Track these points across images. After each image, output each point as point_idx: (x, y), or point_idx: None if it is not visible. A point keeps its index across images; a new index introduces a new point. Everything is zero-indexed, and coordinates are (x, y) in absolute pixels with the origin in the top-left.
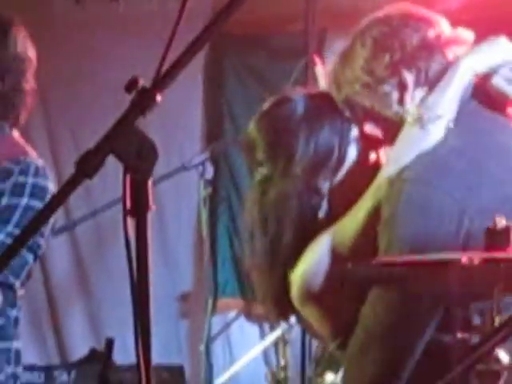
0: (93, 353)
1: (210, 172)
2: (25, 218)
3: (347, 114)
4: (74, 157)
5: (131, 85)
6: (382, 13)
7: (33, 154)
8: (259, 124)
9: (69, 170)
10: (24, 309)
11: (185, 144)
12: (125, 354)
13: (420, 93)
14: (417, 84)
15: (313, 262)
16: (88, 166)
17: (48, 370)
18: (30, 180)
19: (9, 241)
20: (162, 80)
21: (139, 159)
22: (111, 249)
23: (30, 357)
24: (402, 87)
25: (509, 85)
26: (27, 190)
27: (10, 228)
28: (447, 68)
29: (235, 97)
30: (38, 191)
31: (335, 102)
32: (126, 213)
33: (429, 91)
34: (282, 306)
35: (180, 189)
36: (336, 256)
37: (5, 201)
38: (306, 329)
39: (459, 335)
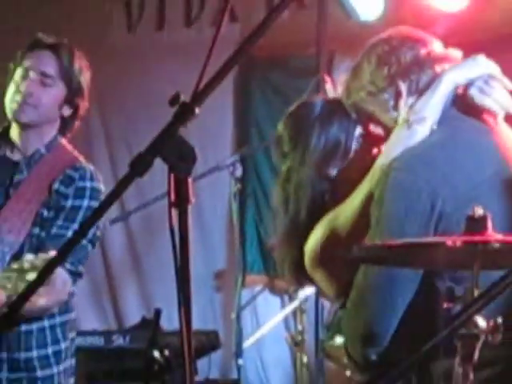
0: (144, 320)
1: (239, 171)
2: (84, 217)
3: (354, 116)
4: (127, 160)
5: (174, 100)
6: (385, 34)
7: (81, 158)
8: (285, 122)
9: (123, 171)
10: (87, 286)
11: (218, 148)
12: (170, 322)
13: (411, 100)
14: (409, 93)
15: (319, 237)
16: (139, 166)
17: (107, 334)
18: (88, 184)
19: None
20: (199, 96)
21: (181, 161)
22: (158, 235)
23: (92, 324)
24: (398, 95)
25: (482, 95)
26: (87, 193)
27: (75, 226)
28: (435, 79)
29: (259, 109)
30: (94, 193)
31: (345, 107)
32: (170, 205)
33: (418, 98)
34: (298, 274)
35: (215, 185)
36: (336, 236)
37: (70, 203)
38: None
39: (445, 305)
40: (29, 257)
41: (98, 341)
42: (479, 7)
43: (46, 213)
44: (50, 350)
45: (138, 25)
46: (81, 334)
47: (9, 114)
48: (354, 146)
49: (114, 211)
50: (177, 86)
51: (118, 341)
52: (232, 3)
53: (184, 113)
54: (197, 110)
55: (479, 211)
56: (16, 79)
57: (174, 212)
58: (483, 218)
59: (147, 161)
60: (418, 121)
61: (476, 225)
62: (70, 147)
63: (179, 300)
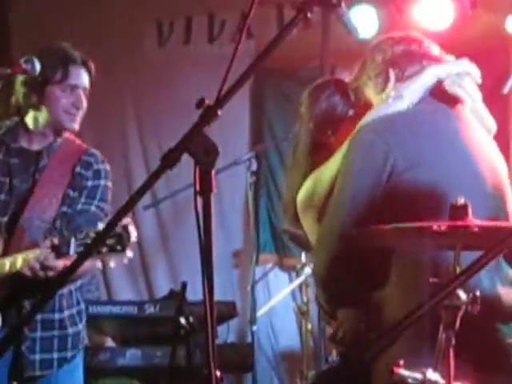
0: (171, 292)
1: (254, 166)
2: (104, 194)
3: (352, 97)
4: (158, 155)
5: (200, 103)
6: (385, 37)
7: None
8: (307, 94)
9: (154, 165)
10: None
11: (236, 146)
12: (194, 294)
13: (399, 85)
14: (397, 79)
15: (306, 189)
16: (169, 160)
17: (140, 304)
18: (102, 167)
19: (98, 210)
20: (221, 100)
21: (205, 155)
22: (184, 219)
23: (127, 295)
24: (386, 80)
25: (454, 85)
26: (102, 174)
27: (96, 202)
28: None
29: (271, 112)
30: (107, 174)
31: (347, 89)
32: (196, 193)
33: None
34: (295, 220)
35: (233, 178)
36: (318, 190)
37: (90, 183)
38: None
39: (431, 279)
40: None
41: (132, 310)
42: (459, 27)
43: (71, 193)
44: (74, 310)
45: (167, 40)
46: (117, 303)
47: (57, 123)
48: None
49: (146, 199)
50: (201, 92)
51: (149, 310)
52: (248, 22)
53: (208, 114)
54: (219, 112)
55: (461, 200)
56: (65, 93)
57: (199, 199)
58: (464, 206)
59: (176, 155)
60: (396, 97)
61: (458, 212)
62: (73, 137)
63: (203, 275)
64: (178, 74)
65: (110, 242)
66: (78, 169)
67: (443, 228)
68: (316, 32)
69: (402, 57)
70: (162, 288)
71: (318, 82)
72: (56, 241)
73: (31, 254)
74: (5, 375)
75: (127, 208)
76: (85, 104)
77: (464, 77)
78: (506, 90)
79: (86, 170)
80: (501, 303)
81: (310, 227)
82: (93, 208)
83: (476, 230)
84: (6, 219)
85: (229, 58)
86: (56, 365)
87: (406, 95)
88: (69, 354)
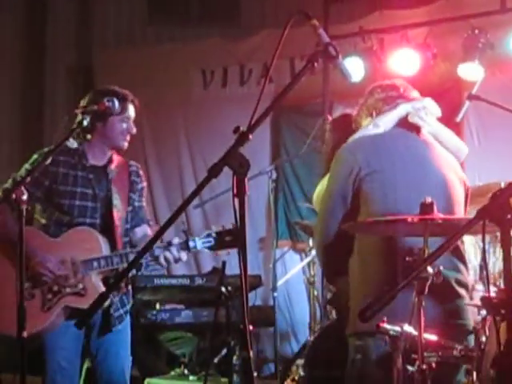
0: (214, 268)
1: (274, 175)
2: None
3: (354, 126)
4: (205, 171)
5: (236, 130)
6: (377, 84)
7: None
8: (328, 124)
9: (201, 177)
10: None
11: (261, 161)
12: (231, 269)
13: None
14: (377, 115)
15: (318, 189)
16: (214, 171)
17: (191, 277)
18: (141, 173)
19: (145, 204)
20: (251, 127)
21: (240, 167)
22: (223, 215)
23: (182, 270)
24: (372, 117)
25: (413, 116)
26: (143, 179)
27: (143, 199)
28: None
29: (286, 137)
30: (144, 178)
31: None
32: (233, 195)
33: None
34: None
35: (258, 184)
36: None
37: (140, 186)
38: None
39: (407, 258)
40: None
41: (185, 281)
42: (423, 72)
43: (132, 195)
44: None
45: (210, 84)
46: (174, 277)
47: (115, 144)
48: None
49: (195, 201)
50: (235, 123)
51: (198, 281)
52: (270, 71)
53: (242, 138)
54: (250, 136)
55: (428, 199)
56: (122, 122)
57: (236, 200)
58: (431, 204)
59: (219, 168)
60: (374, 125)
61: (427, 208)
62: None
63: (239, 255)
64: (217, 109)
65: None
66: (132, 177)
67: (416, 220)
68: (319, 77)
69: (382, 101)
70: (207, 265)
71: (334, 117)
72: (181, 238)
73: None
74: (76, 335)
75: (183, 207)
76: (134, 130)
77: (423, 110)
78: (459, 119)
79: (136, 176)
80: None
81: None
82: (144, 204)
83: (440, 221)
84: (98, 221)
85: (255, 97)
86: (124, 317)
87: (381, 124)
88: (128, 307)
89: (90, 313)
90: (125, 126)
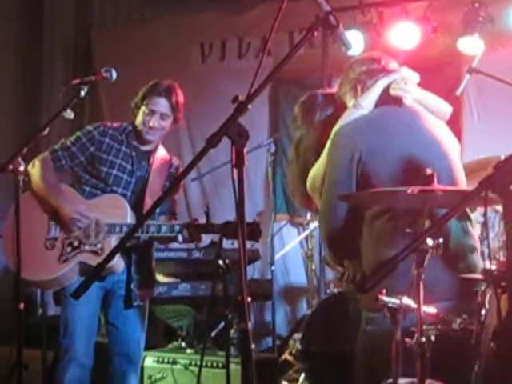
0: (212, 242)
1: (272, 149)
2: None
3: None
4: (202, 143)
5: (235, 100)
6: (353, 59)
7: None
8: (299, 105)
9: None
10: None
11: (260, 134)
12: (227, 243)
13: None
14: (361, 91)
15: (311, 176)
16: (213, 141)
17: (189, 250)
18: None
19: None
20: (250, 97)
21: (239, 137)
22: (221, 189)
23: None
24: (355, 92)
25: (399, 90)
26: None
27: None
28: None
29: (284, 110)
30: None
31: (334, 98)
32: (232, 166)
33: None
34: (304, 200)
35: (257, 157)
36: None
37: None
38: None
39: (407, 230)
40: None
41: (183, 254)
42: (423, 46)
43: (167, 184)
44: None
45: (208, 57)
46: (172, 250)
47: (140, 133)
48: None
49: (192, 174)
50: (233, 95)
51: (196, 254)
52: (268, 44)
53: (241, 107)
54: (249, 107)
55: (429, 171)
56: (144, 114)
57: (235, 170)
58: (431, 176)
59: (217, 138)
60: (358, 107)
61: (427, 180)
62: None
63: (238, 228)
64: (216, 83)
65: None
66: (171, 169)
67: (416, 191)
68: (317, 50)
69: (365, 74)
70: (204, 239)
71: (304, 98)
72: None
73: None
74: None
75: (181, 178)
76: (161, 124)
77: (402, 81)
78: (458, 93)
79: (175, 170)
80: None
81: (318, 202)
82: (175, 197)
83: (440, 193)
84: (129, 194)
85: (254, 70)
86: None
87: (365, 105)
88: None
89: (86, 285)
90: (147, 118)
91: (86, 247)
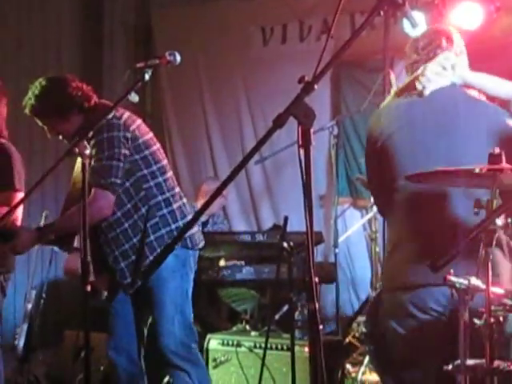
0: (275, 225)
1: (335, 131)
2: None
3: None
4: (264, 126)
5: (301, 79)
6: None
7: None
8: None
9: (262, 133)
10: (238, 204)
11: (321, 116)
12: (291, 226)
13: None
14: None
15: None
16: (279, 121)
17: (252, 233)
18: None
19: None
20: (316, 77)
21: (305, 118)
22: (282, 172)
23: (243, 227)
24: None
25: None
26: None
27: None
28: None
29: (346, 92)
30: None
31: None
32: (299, 146)
33: None
34: None
35: (320, 140)
36: None
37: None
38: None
39: (475, 210)
40: None
41: (246, 237)
42: (486, 26)
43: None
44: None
45: (269, 41)
46: (235, 233)
47: None
48: None
49: (255, 157)
50: (294, 80)
51: (259, 238)
52: (329, 27)
53: (307, 87)
54: (315, 87)
55: (497, 150)
56: None
57: (301, 151)
58: (499, 155)
59: (284, 118)
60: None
61: (495, 158)
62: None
63: (305, 210)
64: (277, 67)
65: None
66: None
67: (484, 170)
68: (379, 32)
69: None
70: (267, 222)
71: None
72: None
73: None
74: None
75: (246, 161)
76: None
77: (433, 70)
78: None
79: None
80: None
81: None
82: None
83: (509, 172)
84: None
85: (315, 53)
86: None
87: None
88: None
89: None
90: None
91: None
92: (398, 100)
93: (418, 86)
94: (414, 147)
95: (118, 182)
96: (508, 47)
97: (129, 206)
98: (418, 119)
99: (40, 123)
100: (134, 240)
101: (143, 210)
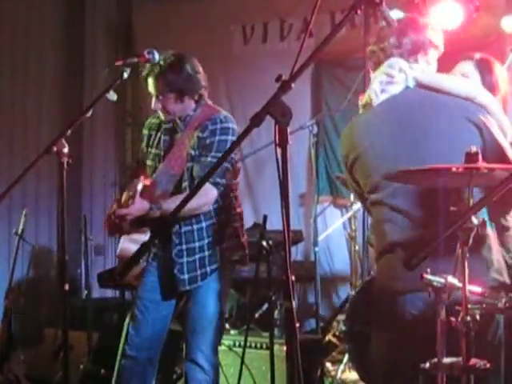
0: (255, 224)
1: (315, 130)
2: (220, 147)
3: None
4: (243, 122)
5: (278, 78)
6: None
7: (218, 111)
8: None
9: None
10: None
11: (302, 115)
12: (270, 224)
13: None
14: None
15: None
16: (256, 120)
17: None
18: (218, 126)
19: (213, 160)
20: (293, 76)
21: (282, 116)
22: (263, 171)
23: None
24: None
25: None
26: (218, 132)
27: (212, 153)
28: None
29: (326, 91)
30: (224, 131)
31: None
32: (276, 145)
33: None
34: None
35: (299, 138)
36: None
37: (207, 141)
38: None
39: (451, 208)
40: None
41: None
42: (466, 26)
43: (193, 152)
44: (206, 241)
45: (250, 40)
46: None
47: None
48: None
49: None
50: (275, 77)
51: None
52: (310, 26)
53: (284, 86)
54: (292, 85)
55: (473, 149)
56: None
57: (278, 150)
58: (476, 153)
59: (261, 116)
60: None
61: (471, 158)
62: (211, 106)
63: (282, 208)
64: (258, 65)
65: None
66: (197, 133)
67: (461, 169)
68: (359, 31)
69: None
70: (247, 221)
71: None
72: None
73: None
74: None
75: (224, 158)
76: (157, 106)
77: (387, 76)
78: None
79: (203, 132)
80: None
81: None
82: (209, 158)
83: (485, 171)
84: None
85: (295, 52)
86: (200, 279)
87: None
88: (208, 270)
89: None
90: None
91: None
92: (366, 114)
93: (367, 100)
94: (386, 155)
95: (224, 183)
96: (488, 46)
97: (211, 208)
98: (383, 129)
99: (153, 91)
100: (206, 241)
101: (222, 216)
